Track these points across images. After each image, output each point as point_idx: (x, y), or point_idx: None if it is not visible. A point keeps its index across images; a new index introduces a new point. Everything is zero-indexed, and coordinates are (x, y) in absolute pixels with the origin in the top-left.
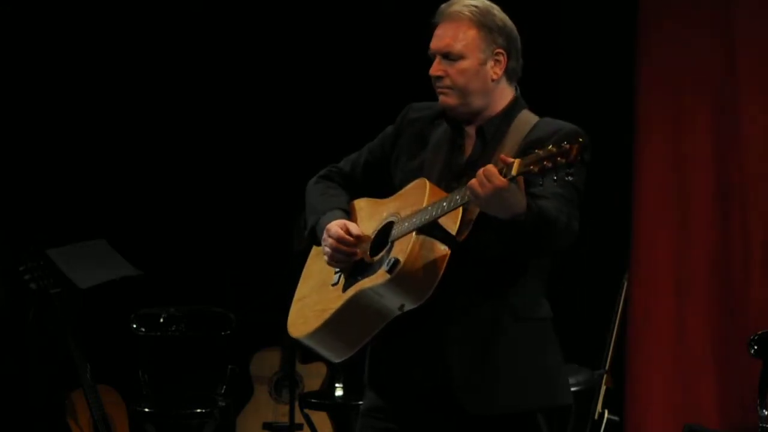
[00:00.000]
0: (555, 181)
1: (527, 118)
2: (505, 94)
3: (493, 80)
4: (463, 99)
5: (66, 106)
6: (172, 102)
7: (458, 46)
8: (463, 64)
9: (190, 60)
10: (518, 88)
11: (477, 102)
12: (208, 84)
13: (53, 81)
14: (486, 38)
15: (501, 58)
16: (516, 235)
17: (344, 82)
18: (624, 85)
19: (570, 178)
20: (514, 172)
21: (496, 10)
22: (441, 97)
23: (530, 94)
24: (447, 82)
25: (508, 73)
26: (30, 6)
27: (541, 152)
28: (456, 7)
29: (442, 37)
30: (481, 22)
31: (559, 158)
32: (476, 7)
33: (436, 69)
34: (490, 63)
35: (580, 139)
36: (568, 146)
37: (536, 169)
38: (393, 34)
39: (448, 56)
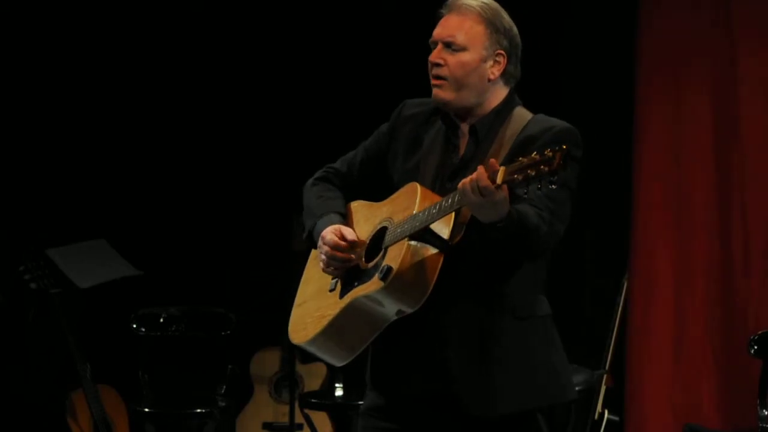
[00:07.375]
0: (539, 189)
1: (520, 115)
2: (499, 94)
3: (489, 80)
4: (457, 93)
5: (66, 105)
6: (171, 102)
7: (462, 38)
8: (464, 56)
9: (190, 60)
10: (513, 89)
11: (470, 98)
12: (208, 84)
13: (53, 81)
14: (491, 37)
15: (501, 59)
16: (496, 238)
17: (342, 81)
18: (624, 82)
19: (554, 187)
20: (498, 180)
21: (504, 13)
22: (435, 90)
23: (531, 90)
24: (444, 71)
25: (505, 76)
26: (30, 6)
27: (525, 160)
28: (467, 0)
29: (447, 27)
30: (490, 20)
31: (542, 167)
32: (487, 4)
33: (435, 56)
34: (490, 62)
35: (564, 147)
36: (551, 154)
37: (520, 178)
38: (390, 34)
39: (451, 46)
